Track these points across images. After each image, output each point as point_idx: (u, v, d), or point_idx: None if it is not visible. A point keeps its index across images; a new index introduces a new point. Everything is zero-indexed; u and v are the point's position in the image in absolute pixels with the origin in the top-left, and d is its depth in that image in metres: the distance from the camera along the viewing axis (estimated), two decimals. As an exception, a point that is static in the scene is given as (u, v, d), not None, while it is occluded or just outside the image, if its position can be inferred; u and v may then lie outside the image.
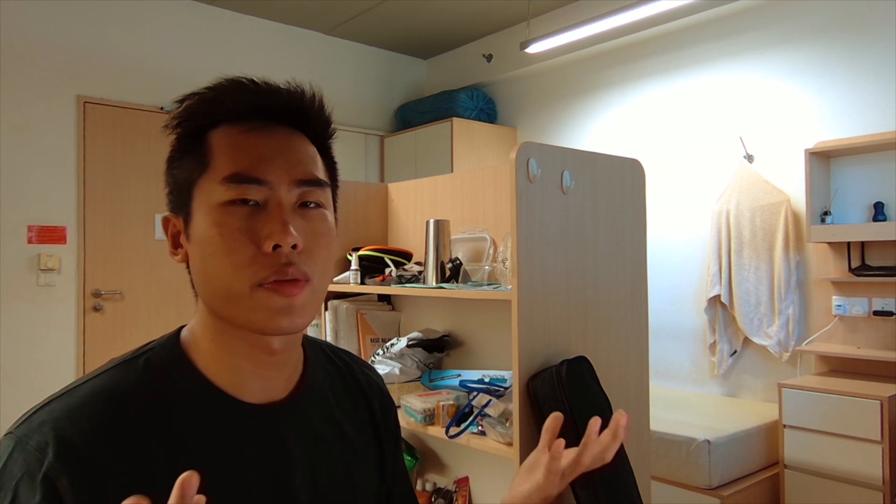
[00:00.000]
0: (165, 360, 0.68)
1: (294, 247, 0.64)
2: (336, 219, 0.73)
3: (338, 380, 0.81)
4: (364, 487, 0.78)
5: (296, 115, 0.70)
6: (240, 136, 0.67)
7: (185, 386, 0.67)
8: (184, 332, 0.71)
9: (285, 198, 0.66)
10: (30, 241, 3.63)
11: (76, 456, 0.58)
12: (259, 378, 0.69)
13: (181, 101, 0.68)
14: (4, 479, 0.57)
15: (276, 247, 0.63)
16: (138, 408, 0.63)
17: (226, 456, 0.65)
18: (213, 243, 0.64)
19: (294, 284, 0.64)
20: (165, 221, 0.71)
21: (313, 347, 0.80)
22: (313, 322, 2.07)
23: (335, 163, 0.75)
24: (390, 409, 0.88)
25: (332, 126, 0.74)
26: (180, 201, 0.68)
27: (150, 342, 0.71)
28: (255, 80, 0.68)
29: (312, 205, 0.68)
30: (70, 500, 0.57)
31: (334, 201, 0.74)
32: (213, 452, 0.65)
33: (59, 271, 3.71)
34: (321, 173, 0.70)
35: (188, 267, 0.71)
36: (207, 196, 0.65)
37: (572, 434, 1.44)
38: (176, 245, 0.70)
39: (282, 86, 0.69)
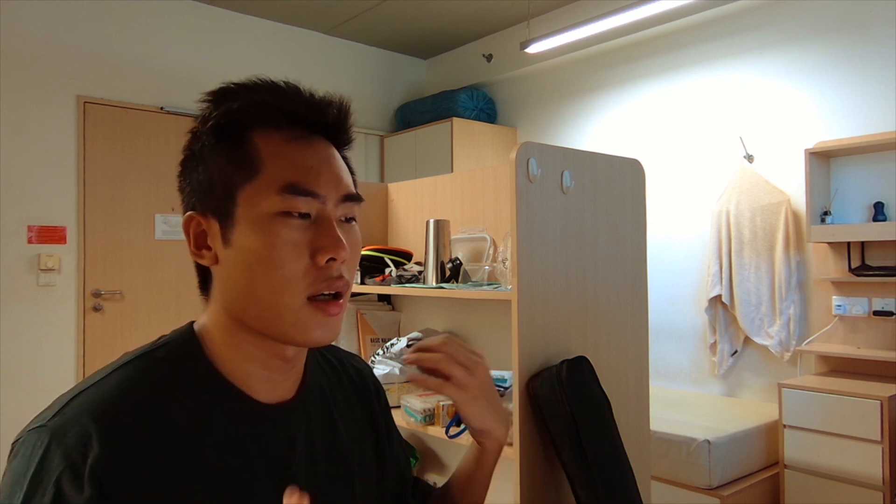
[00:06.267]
0: (183, 355, 0.68)
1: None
2: None
3: (333, 377, 0.84)
4: (362, 479, 0.80)
5: (332, 126, 0.70)
6: (290, 146, 0.66)
7: (204, 381, 0.67)
8: (197, 329, 0.71)
9: (332, 212, 0.67)
10: (30, 241, 3.62)
11: (119, 446, 0.58)
12: (269, 381, 0.70)
13: (214, 95, 0.67)
14: (43, 474, 0.56)
15: (329, 260, 0.65)
16: (165, 400, 0.64)
17: (241, 451, 0.66)
18: (261, 254, 0.64)
19: (337, 304, 0.66)
20: (189, 220, 0.68)
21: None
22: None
23: (354, 172, 0.76)
24: (380, 392, 0.92)
25: (352, 137, 0.75)
26: (216, 203, 0.66)
27: (163, 337, 0.70)
28: (298, 86, 0.68)
29: (350, 219, 0.70)
30: (115, 492, 0.57)
31: None
32: (230, 446, 0.66)
33: (59, 271, 3.71)
34: (354, 187, 0.71)
35: (200, 268, 0.70)
36: (257, 204, 0.64)
37: (573, 434, 1.44)
38: (200, 245, 0.68)
39: (316, 94, 0.69)
